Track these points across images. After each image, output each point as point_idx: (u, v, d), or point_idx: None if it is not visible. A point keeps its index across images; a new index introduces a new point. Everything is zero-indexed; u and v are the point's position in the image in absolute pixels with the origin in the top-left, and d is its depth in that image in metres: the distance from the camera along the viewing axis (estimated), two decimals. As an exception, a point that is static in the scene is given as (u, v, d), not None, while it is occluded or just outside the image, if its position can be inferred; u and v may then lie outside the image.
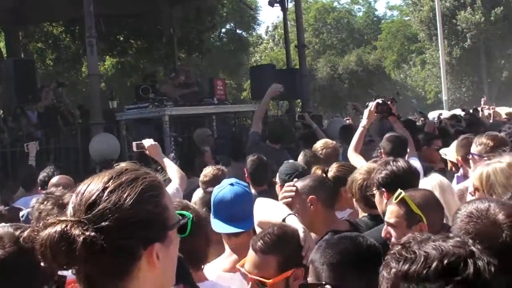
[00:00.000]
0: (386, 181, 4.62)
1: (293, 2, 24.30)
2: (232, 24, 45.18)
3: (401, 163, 4.74)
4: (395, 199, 3.96)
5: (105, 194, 1.94)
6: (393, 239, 3.93)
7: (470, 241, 1.95)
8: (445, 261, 1.84)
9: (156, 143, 6.68)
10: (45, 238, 1.87)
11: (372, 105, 7.44)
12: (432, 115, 25.02)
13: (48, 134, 15.11)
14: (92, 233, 1.86)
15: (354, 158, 6.93)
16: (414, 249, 1.91)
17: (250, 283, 3.26)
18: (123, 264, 1.94)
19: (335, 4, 72.15)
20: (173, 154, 9.60)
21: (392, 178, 4.66)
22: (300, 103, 22.80)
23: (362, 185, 5.00)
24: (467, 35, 50.08)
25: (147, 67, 29.84)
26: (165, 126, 13.67)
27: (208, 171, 6.95)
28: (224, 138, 14.78)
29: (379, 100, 7.57)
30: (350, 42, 67.97)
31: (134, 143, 6.81)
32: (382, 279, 1.96)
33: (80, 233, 1.86)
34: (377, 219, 4.68)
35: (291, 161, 6.91)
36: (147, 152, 6.61)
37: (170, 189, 6.00)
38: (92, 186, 1.99)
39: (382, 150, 7.41)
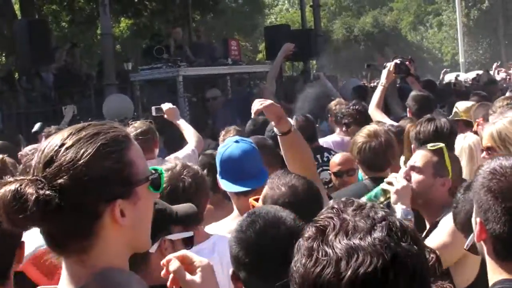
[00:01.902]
0: (413, 139, 4.74)
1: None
2: (247, -15, 44.93)
3: (430, 124, 4.82)
4: (432, 147, 4.01)
5: (62, 150, 1.90)
6: (413, 184, 3.96)
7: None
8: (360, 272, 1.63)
9: (174, 106, 6.79)
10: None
11: (390, 65, 7.57)
12: (449, 77, 24.87)
13: (62, 95, 15.12)
14: (47, 192, 1.82)
15: (377, 115, 7.09)
16: (326, 249, 1.68)
17: None
18: (84, 223, 1.90)
19: (352, -36, 71.51)
20: None
21: (417, 137, 4.77)
22: (315, 65, 22.69)
23: (361, 148, 5.02)
24: (485, -4, 49.65)
25: (161, 28, 29.69)
26: (179, 86, 13.61)
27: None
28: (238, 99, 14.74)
29: (397, 60, 7.70)
30: (366, 3, 67.34)
31: (153, 108, 6.93)
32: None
33: (34, 191, 1.81)
34: (379, 182, 4.68)
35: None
36: (165, 116, 6.67)
37: (186, 150, 6.09)
38: (52, 142, 1.94)
39: (408, 109, 7.52)
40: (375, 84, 24.17)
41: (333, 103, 8.63)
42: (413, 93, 7.81)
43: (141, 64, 16.81)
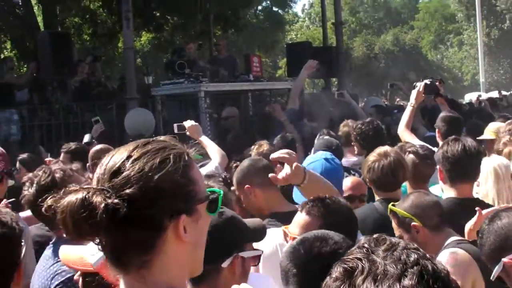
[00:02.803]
0: (439, 159, 4.76)
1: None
2: (268, 2, 44.94)
3: (457, 144, 4.81)
4: (389, 213, 4.06)
5: (129, 161, 1.90)
6: None
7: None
8: None
9: (196, 123, 6.83)
10: (66, 205, 1.81)
11: (420, 85, 7.54)
12: (469, 97, 24.80)
13: (83, 108, 15.17)
14: (115, 200, 1.81)
15: (406, 135, 7.11)
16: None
17: (289, 241, 3.30)
18: (148, 236, 1.88)
19: (373, -18, 71.62)
20: None
21: (444, 157, 4.78)
22: (336, 82, 22.66)
23: (370, 167, 5.03)
24: (506, 16, 49.45)
25: (182, 43, 29.81)
26: (200, 102, 13.61)
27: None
28: (258, 116, 14.73)
29: (427, 81, 7.69)
30: (387, 21, 67.43)
31: (175, 125, 6.98)
32: None
33: (102, 199, 1.80)
34: (389, 202, 4.64)
35: (326, 137, 6.89)
36: (187, 133, 6.70)
37: (210, 167, 6.05)
38: (116, 155, 1.94)
39: (437, 130, 7.50)
40: (397, 103, 24.24)
41: (341, 125, 8.57)
42: (442, 114, 7.80)
43: (162, 78, 16.86)
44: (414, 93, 7.60)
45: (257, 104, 16.32)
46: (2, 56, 24.28)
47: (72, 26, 31.47)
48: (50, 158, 8.82)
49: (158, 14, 30.17)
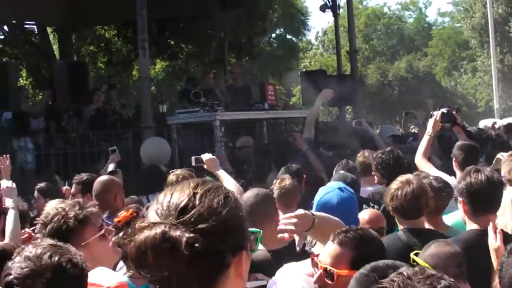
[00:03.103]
0: (463, 191, 4.70)
1: (344, 8, 24.17)
2: (282, 29, 45.14)
3: (480, 175, 4.76)
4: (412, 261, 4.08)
5: (197, 198, 1.94)
6: None
7: None
8: None
9: (214, 157, 6.96)
10: (144, 240, 1.85)
11: (437, 114, 7.51)
12: (484, 123, 24.68)
13: (99, 137, 15.22)
14: (192, 235, 1.85)
15: (424, 165, 7.08)
16: None
17: (319, 271, 3.36)
18: (214, 270, 1.93)
19: (386, 10, 71.77)
20: None
21: (468, 189, 4.72)
22: (350, 110, 22.69)
23: (393, 194, 5.01)
24: (520, 42, 49.38)
25: (197, 71, 29.94)
26: (216, 131, 13.65)
27: None
28: (273, 144, 14.72)
29: (444, 110, 7.65)
30: (401, 48, 67.45)
31: (193, 158, 7.16)
32: None
33: (181, 233, 1.84)
34: (413, 232, 4.60)
35: (341, 172, 6.89)
36: (205, 166, 6.81)
37: None
38: (178, 193, 1.98)
39: (454, 159, 7.46)
40: (412, 130, 24.18)
41: (358, 155, 8.52)
42: (459, 142, 7.77)
43: (176, 106, 16.91)
44: (431, 122, 7.58)
45: (272, 133, 16.33)
46: (18, 84, 24.38)
47: (87, 55, 31.71)
48: (67, 187, 8.85)
49: (172, 42, 30.34)
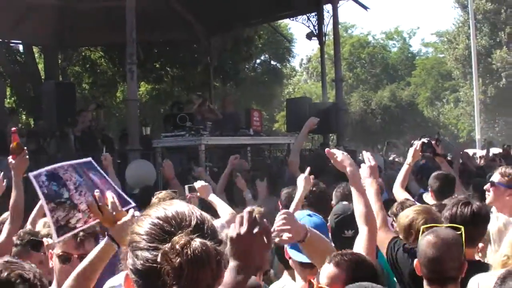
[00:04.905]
0: (465, 220, 4.72)
1: (330, 36, 24.34)
2: (267, 55, 45.28)
3: (477, 205, 4.83)
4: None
5: (203, 214, 2.20)
6: None
7: None
8: None
9: (207, 184, 7.05)
10: (195, 255, 2.00)
11: (417, 144, 7.55)
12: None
13: (85, 158, 15.15)
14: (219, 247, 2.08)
15: (400, 194, 7.08)
16: None
17: None
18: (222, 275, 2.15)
19: (370, 39, 72.18)
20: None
21: (471, 218, 4.77)
22: (333, 137, 22.76)
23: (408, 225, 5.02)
24: (502, 74, 49.71)
25: (181, 94, 30.02)
26: (201, 155, 13.72)
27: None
28: (258, 170, 14.76)
29: (425, 140, 7.69)
30: (384, 77, 67.85)
31: (186, 186, 7.24)
32: None
33: (213, 244, 2.07)
34: None
35: (344, 202, 6.93)
36: (198, 194, 6.94)
37: (217, 223, 6.10)
38: (190, 209, 2.20)
39: (430, 188, 7.52)
40: (393, 159, 24.35)
41: None
42: (434, 173, 7.83)
43: (159, 129, 16.96)
44: (411, 152, 7.63)
45: (256, 158, 16.41)
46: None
47: (72, 75, 31.69)
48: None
49: (158, 65, 30.43)
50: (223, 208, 6.49)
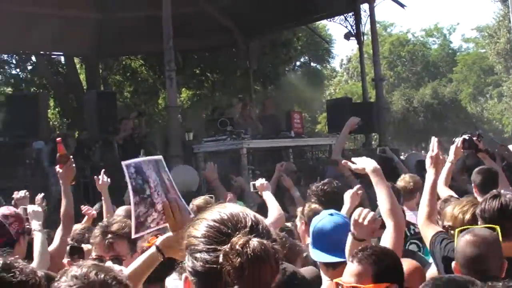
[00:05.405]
0: (492, 215, 4.57)
1: (368, 35, 24.22)
2: (307, 57, 45.21)
3: (495, 202, 4.66)
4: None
5: (256, 216, 2.24)
6: None
7: None
8: None
9: (266, 182, 7.27)
10: (254, 254, 2.06)
11: (458, 141, 7.42)
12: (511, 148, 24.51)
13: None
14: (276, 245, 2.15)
15: (444, 191, 6.98)
16: None
17: None
18: None
19: (410, 37, 71.62)
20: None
21: (482, 215, 4.64)
22: (376, 137, 22.66)
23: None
24: (545, 66, 49.13)
25: (222, 99, 30.12)
26: (243, 158, 13.74)
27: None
28: (302, 171, 14.76)
29: (466, 136, 7.57)
30: (425, 75, 67.27)
31: (251, 183, 7.74)
32: None
33: (270, 243, 2.13)
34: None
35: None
36: (260, 192, 7.20)
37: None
38: (245, 211, 2.25)
39: (473, 184, 7.43)
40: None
41: (399, 180, 8.50)
42: (477, 168, 7.74)
43: (201, 134, 17.03)
44: (452, 149, 7.48)
45: (298, 160, 16.39)
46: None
47: (113, 84, 31.99)
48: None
49: (198, 71, 30.57)
50: (273, 208, 6.52)
